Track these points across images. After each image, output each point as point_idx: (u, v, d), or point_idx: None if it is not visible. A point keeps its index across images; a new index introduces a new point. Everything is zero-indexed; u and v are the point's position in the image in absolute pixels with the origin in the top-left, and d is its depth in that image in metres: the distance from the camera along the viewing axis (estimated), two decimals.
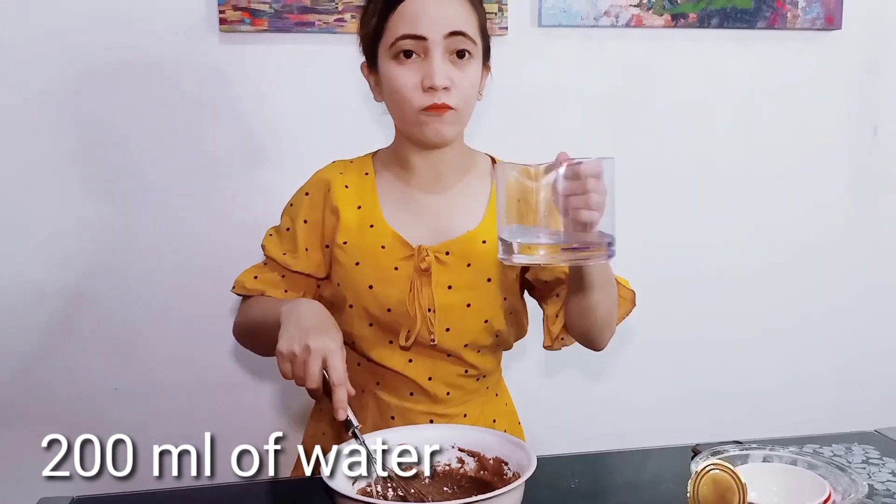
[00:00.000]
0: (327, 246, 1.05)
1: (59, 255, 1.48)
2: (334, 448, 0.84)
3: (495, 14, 1.53)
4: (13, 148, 1.44)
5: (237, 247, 1.53)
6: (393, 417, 1.05)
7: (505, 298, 1.04)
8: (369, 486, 0.85)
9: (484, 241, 1.02)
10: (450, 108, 0.96)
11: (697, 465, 0.80)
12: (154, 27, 1.44)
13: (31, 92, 1.43)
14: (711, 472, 0.78)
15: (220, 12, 1.44)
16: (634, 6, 1.60)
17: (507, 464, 0.87)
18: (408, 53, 0.95)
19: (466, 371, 1.06)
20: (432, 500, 0.85)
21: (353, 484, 0.84)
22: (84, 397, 1.53)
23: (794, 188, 1.78)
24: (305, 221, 1.06)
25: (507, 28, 1.55)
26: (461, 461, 0.90)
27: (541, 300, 1.10)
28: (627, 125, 1.67)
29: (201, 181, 1.51)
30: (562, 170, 0.79)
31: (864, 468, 0.99)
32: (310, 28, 1.47)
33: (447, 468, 0.90)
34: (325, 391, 0.88)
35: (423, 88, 0.95)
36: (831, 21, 1.68)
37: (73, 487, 1.38)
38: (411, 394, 1.05)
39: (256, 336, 1.06)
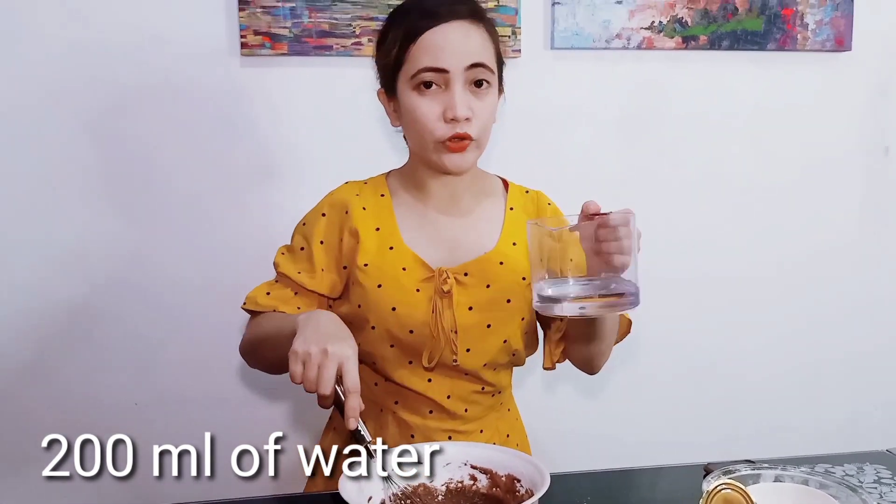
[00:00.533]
0: (345, 267, 1.06)
1: (81, 270, 1.51)
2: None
3: (509, 37, 1.57)
4: (38, 164, 1.48)
5: (254, 262, 1.55)
6: (412, 436, 1.07)
7: (522, 318, 1.06)
8: (383, 502, 0.86)
9: (501, 263, 1.04)
10: (471, 138, 0.99)
11: (709, 485, 0.82)
12: (179, 51, 1.48)
13: (58, 110, 1.47)
14: (723, 491, 0.80)
15: (242, 37, 1.48)
16: (646, 29, 1.62)
17: (519, 481, 0.88)
18: (428, 84, 0.98)
19: (483, 388, 1.08)
20: None
21: (368, 501, 0.85)
22: (104, 409, 1.55)
23: (806, 208, 1.79)
24: (322, 242, 1.06)
25: (520, 51, 1.58)
26: (473, 478, 0.91)
27: (543, 323, 1.12)
28: (639, 146, 1.70)
29: (221, 199, 1.55)
30: (593, 223, 0.86)
31: (876, 488, 0.99)
32: (328, 52, 1.51)
33: (460, 485, 0.91)
34: (333, 401, 0.87)
35: (444, 119, 0.97)
36: (841, 43, 1.69)
37: (99, 500, 1.41)
38: (430, 412, 1.07)
39: (268, 350, 1.04)
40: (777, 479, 0.90)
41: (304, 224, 1.10)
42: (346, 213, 1.06)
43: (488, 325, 1.03)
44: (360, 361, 1.07)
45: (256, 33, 1.48)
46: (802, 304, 1.81)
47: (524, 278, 1.05)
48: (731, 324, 1.79)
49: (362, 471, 0.85)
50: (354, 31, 1.51)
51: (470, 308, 1.03)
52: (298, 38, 1.50)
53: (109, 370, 1.55)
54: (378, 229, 1.05)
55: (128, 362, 1.55)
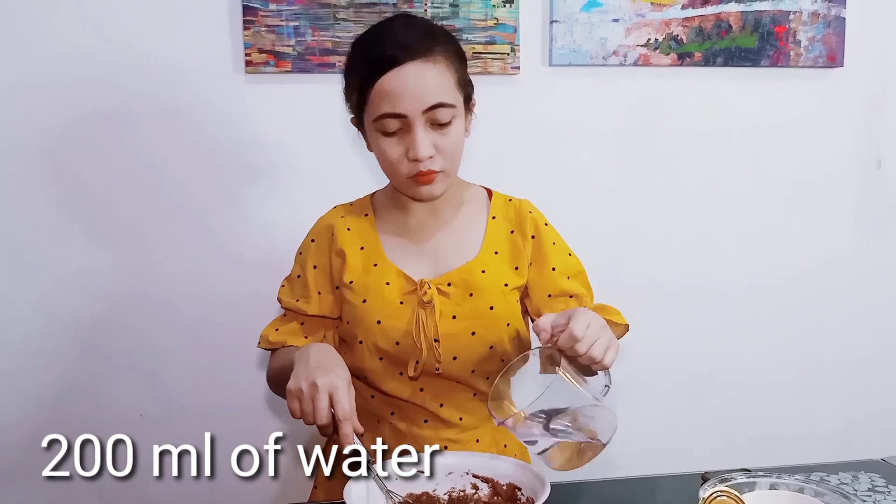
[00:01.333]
0: (337, 287, 1.10)
1: (88, 282, 1.53)
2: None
3: (507, 54, 1.60)
4: (47, 180, 1.51)
5: (258, 274, 1.59)
6: (408, 445, 1.08)
7: (508, 324, 1.08)
8: None
9: (483, 271, 1.07)
10: (436, 172, 1.01)
11: (705, 492, 0.84)
12: (185, 69, 1.51)
13: (66, 126, 1.50)
14: (718, 498, 0.81)
15: (247, 55, 1.51)
16: (642, 46, 1.66)
17: (520, 489, 0.90)
18: (390, 127, 0.99)
19: (475, 394, 1.10)
20: None
21: None
22: (110, 419, 1.57)
23: (801, 221, 1.81)
24: (315, 267, 1.11)
25: (519, 68, 1.61)
26: (475, 487, 0.93)
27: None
28: (636, 160, 1.72)
29: (226, 212, 1.57)
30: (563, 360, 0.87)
31: (870, 496, 1.01)
32: (331, 69, 1.54)
33: (462, 494, 0.93)
34: (334, 429, 0.90)
35: (408, 159, 1.00)
36: (833, 59, 1.73)
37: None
38: (426, 421, 1.09)
39: (283, 385, 1.06)
40: (772, 487, 0.92)
41: (300, 253, 1.15)
42: (332, 235, 1.11)
43: (473, 333, 1.06)
44: (353, 376, 1.08)
45: (261, 51, 1.51)
46: (798, 315, 1.84)
47: (506, 284, 1.08)
48: (728, 334, 1.81)
49: (366, 480, 0.87)
50: None
51: (454, 317, 1.05)
52: (302, 55, 1.53)
53: (116, 380, 1.57)
54: (363, 248, 1.10)
55: (134, 372, 1.57)
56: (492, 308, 1.06)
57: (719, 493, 0.82)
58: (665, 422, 1.79)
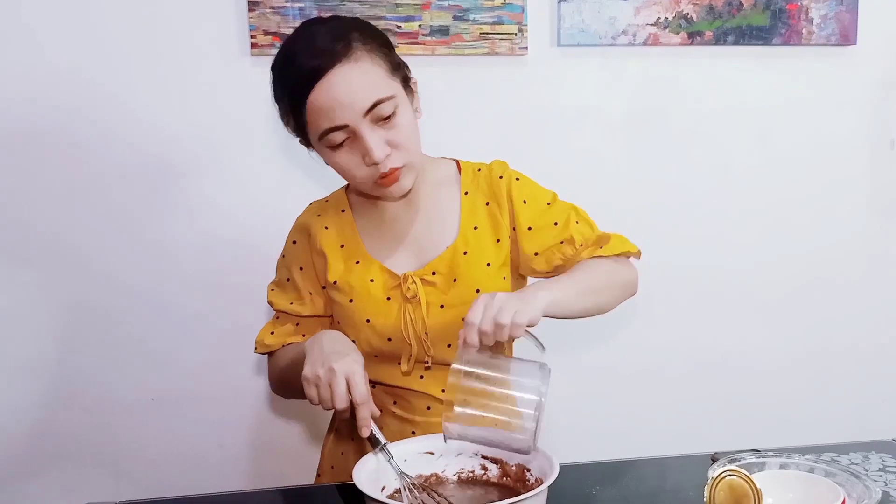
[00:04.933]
0: (324, 287, 1.10)
1: (97, 270, 1.54)
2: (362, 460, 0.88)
3: (515, 35, 1.58)
4: (53, 167, 1.51)
5: (268, 261, 1.58)
6: (414, 432, 1.08)
7: None
8: (397, 491, 0.88)
9: (465, 253, 1.05)
10: (399, 168, 0.97)
11: (714, 472, 0.83)
12: (189, 52, 1.51)
13: (69, 112, 1.49)
14: (727, 478, 0.81)
15: (252, 37, 1.50)
16: (651, 25, 1.63)
17: (529, 470, 0.90)
18: (338, 140, 0.96)
19: None
20: None
21: (381, 490, 0.87)
22: (122, 406, 1.59)
23: (813, 202, 1.79)
24: (301, 269, 1.10)
25: (526, 48, 1.60)
26: (484, 468, 0.94)
27: None
28: (646, 141, 1.71)
29: (233, 198, 1.57)
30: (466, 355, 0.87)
31: (881, 476, 1.01)
32: None
33: (471, 475, 0.94)
34: (352, 412, 0.91)
35: (366, 164, 0.96)
36: (846, 37, 1.70)
37: (117, 493, 1.44)
38: (428, 408, 1.08)
39: (291, 383, 1.05)
40: (782, 468, 0.92)
41: (283, 256, 1.14)
42: (310, 234, 1.10)
43: (463, 319, 1.03)
44: None
45: (266, 33, 1.50)
46: (809, 298, 1.82)
47: (489, 264, 1.05)
48: (739, 317, 1.81)
49: (376, 461, 0.88)
50: None
51: (442, 307, 1.04)
52: None
53: (127, 367, 1.58)
54: (343, 246, 1.08)
55: (144, 359, 1.58)
56: (478, 291, 1.04)
57: (729, 473, 0.82)
58: (676, 405, 1.79)
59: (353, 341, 1.04)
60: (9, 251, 1.51)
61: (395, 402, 1.09)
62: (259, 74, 1.53)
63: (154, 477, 1.60)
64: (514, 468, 0.91)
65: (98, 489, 1.56)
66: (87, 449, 1.58)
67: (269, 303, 1.14)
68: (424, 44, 1.55)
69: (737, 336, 1.81)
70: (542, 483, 0.81)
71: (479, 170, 1.11)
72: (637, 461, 1.11)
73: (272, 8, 1.50)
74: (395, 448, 0.92)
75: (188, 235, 1.56)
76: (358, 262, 1.07)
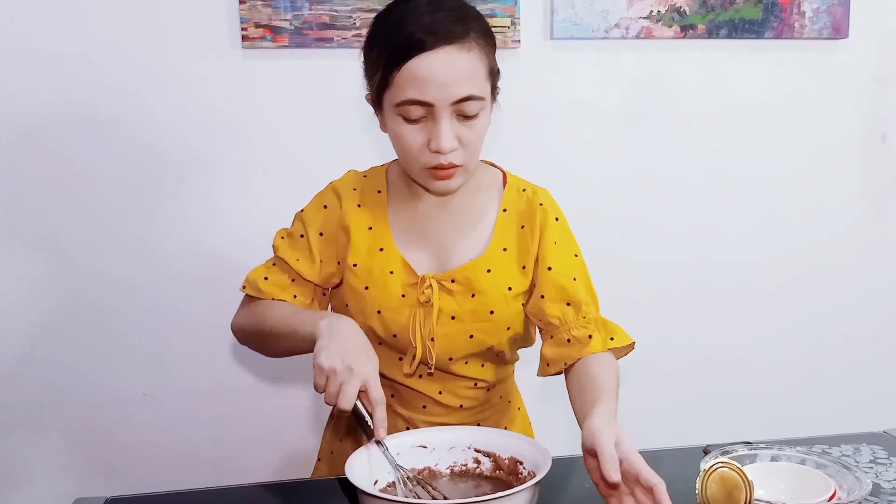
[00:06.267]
0: (339, 263, 1.06)
1: (89, 265, 1.53)
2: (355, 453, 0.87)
3: (508, 28, 1.58)
4: (45, 162, 1.50)
5: (261, 255, 1.58)
6: (408, 428, 1.08)
7: (508, 328, 1.05)
8: (389, 485, 0.88)
9: (489, 271, 1.03)
10: (457, 166, 0.96)
11: (706, 464, 0.84)
12: (180, 44, 1.50)
13: (60, 107, 1.48)
14: (719, 470, 0.82)
15: (243, 30, 1.49)
16: (644, 18, 1.63)
17: (521, 463, 0.90)
18: (413, 114, 0.93)
19: (476, 384, 1.08)
20: (451, 499, 0.88)
21: (374, 484, 0.87)
22: (114, 402, 1.58)
23: (805, 195, 1.80)
24: (321, 234, 1.05)
25: (519, 41, 1.59)
26: (477, 461, 0.93)
27: (541, 333, 1.09)
28: (639, 135, 1.71)
29: (226, 192, 1.56)
30: None
31: (872, 468, 1.01)
32: (329, 44, 1.52)
33: (464, 468, 0.93)
34: (352, 413, 0.88)
35: (429, 149, 0.94)
36: (838, 31, 1.70)
37: (108, 487, 1.44)
38: (424, 406, 1.08)
39: (275, 343, 1.03)
40: (774, 459, 0.92)
41: (303, 212, 1.08)
42: (341, 206, 1.05)
43: (471, 336, 1.03)
44: None
45: (257, 26, 1.50)
46: (801, 290, 1.83)
47: (510, 288, 1.03)
48: (731, 310, 1.81)
49: (368, 454, 0.88)
50: (355, 23, 1.52)
51: (453, 317, 1.02)
52: (299, 30, 1.51)
53: (119, 362, 1.57)
54: (371, 228, 1.04)
55: (137, 355, 1.58)
56: (492, 312, 1.02)
57: (720, 465, 0.82)
58: (668, 398, 1.80)
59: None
60: (1, 246, 1.50)
61: (392, 396, 1.08)
62: (251, 67, 1.53)
63: (146, 472, 1.60)
64: (507, 461, 0.91)
65: (90, 485, 1.56)
66: (78, 444, 1.58)
67: (274, 247, 1.07)
68: None
69: (729, 329, 1.82)
70: (535, 476, 0.81)
71: (524, 190, 1.07)
72: None
73: (263, 0, 1.49)
74: (388, 441, 0.91)
75: (180, 231, 1.55)
76: (382, 250, 1.03)
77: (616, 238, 1.70)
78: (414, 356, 1.02)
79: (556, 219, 1.06)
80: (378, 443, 0.88)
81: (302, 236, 1.06)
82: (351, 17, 1.52)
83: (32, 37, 1.45)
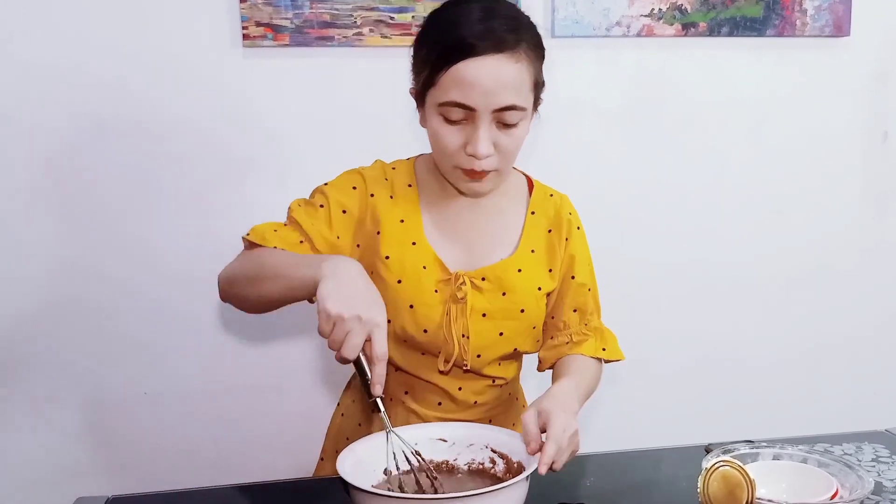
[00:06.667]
0: (358, 245, 1.05)
1: (89, 264, 1.53)
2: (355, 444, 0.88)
3: None
4: (45, 161, 1.49)
5: None
6: None
7: (534, 327, 1.07)
8: (390, 472, 0.88)
9: (519, 270, 1.04)
10: (490, 171, 0.97)
11: (708, 463, 0.84)
12: (181, 43, 1.49)
13: (60, 105, 1.48)
14: (721, 468, 0.81)
15: (244, 28, 1.49)
16: (645, 16, 1.63)
17: (525, 469, 0.90)
18: (454, 115, 0.94)
19: (494, 381, 1.10)
20: (444, 493, 0.88)
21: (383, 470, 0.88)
22: (115, 401, 1.58)
23: (806, 193, 1.80)
24: (345, 212, 1.03)
25: None
26: (493, 461, 0.94)
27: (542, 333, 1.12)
28: (640, 133, 1.71)
29: (226, 191, 1.56)
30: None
31: (874, 466, 1.01)
32: (330, 42, 1.52)
33: (480, 467, 0.94)
34: (354, 363, 0.86)
35: (466, 152, 0.95)
36: (840, 29, 1.70)
37: (109, 487, 1.43)
38: (440, 403, 1.08)
39: (268, 285, 0.95)
40: (776, 458, 0.92)
41: (326, 186, 1.06)
42: (372, 196, 1.04)
43: (500, 334, 1.04)
44: None
45: (258, 24, 1.49)
46: (802, 289, 1.83)
47: (539, 288, 1.06)
48: (732, 309, 1.81)
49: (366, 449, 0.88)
50: (356, 22, 1.52)
51: (484, 315, 1.03)
52: (300, 28, 1.51)
53: (120, 362, 1.57)
54: (402, 221, 1.04)
55: (138, 354, 1.57)
56: (522, 311, 1.04)
57: (722, 464, 0.82)
58: (670, 397, 1.79)
59: (388, 321, 0.98)
60: (0, 246, 1.50)
61: (406, 393, 1.09)
62: (251, 66, 1.53)
63: (147, 471, 1.60)
64: (515, 465, 0.91)
65: (91, 484, 1.56)
66: (80, 444, 1.58)
67: (289, 209, 1.04)
68: None
69: (730, 328, 1.82)
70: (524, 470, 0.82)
71: (552, 195, 1.11)
72: (631, 453, 1.11)
73: None
74: (407, 431, 0.92)
75: (181, 230, 1.55)
76: (414, 244, 1.03)
77: (616, 237, 1.70)
78: (450, 355, 1.02)
79: (578, 228, 1.10)
80: (375, 404, 0.86)
81: (322, 206, 1.03)
82: (352, 15, 1.52)
83: (32, 36, 1.45)
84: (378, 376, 0.84)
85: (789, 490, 0.87)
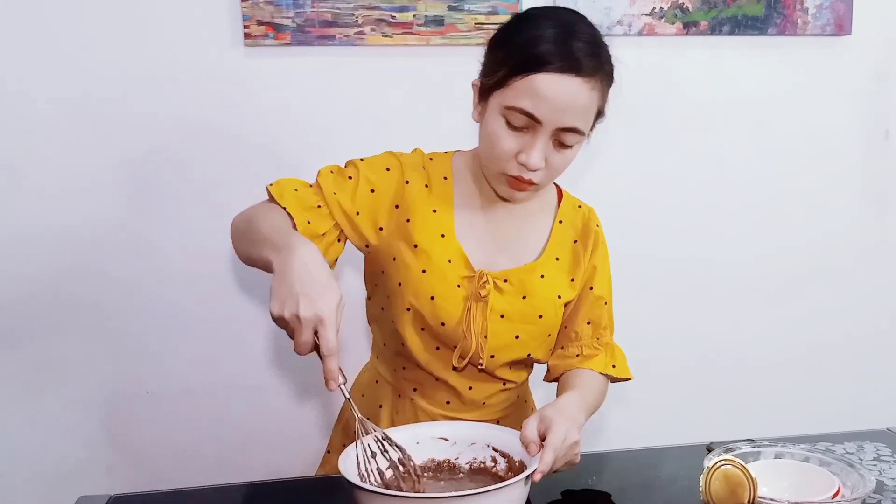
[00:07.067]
0: (381, 228, 1.04)
1: (93, 263, 1.53)
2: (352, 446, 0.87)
3: None
4: (47, 159, 1.49)
5: None
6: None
7: (549, 335, 1.08)
8: (390, 478, 0.87)
9: (542, 276, 1.05)
10: (534, 184, 0.98)
11: (709, 461, 0.84)
12: (183, 42, 1.49)
13: (63, 105, 1.48)
14: (723, 467, 0.82)
15: (245, 27, 1.49)
16: (647, 15, 1.63)
17: (527, 468, 0.90)
18: (517, 123, 0.95)
19: (505, 383, 1.10)
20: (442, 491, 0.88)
21: (369, 476, 0.86)
22: (117, 400, 1.58)
23: (807, 192, 1.80)
24: (373, 190, 1.03)
25: None
26: (494, 460, 0.94)
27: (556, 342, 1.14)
28: (641, 131, 1.70)
29: (228, 190, 1.55)
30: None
31: (876, 465, 1.01)
32: (331, 41, 1.52)
33: (482, 465, 0.94)
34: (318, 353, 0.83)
35: (517, 159, 0.96)
36: (841, 27, 1.70)
37: (111, 485, 1.44)
38: (448, 402, 1.08)
39: (250, 247, 0.95)
40: (777, 457, 0.92)
41: (362, 161, 1.05)
42: (407, 182, 1.04)
43: (517, 337, 1.05)
44: (389, 343, 1.08)
45: (259, 23, 1.49)
46: (803, 288, 1.83)
47: (559, 296, 1.06)
48: (733, 308, 1.81)
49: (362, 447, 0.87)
50: (357, 21, 1.52)
51: (502, 316, 1.04)
52: (301, 27, 1.51)
53: (121, 360, 1.57)
54: (435, 211, 1.04)
55: (139, 353, 1.57)
56: (541, 316, 1.05)
57: (724, 463, 0.82)
58: (672, 396, 1.79)
59: (408, 309, 1.02)
60: (2, 245, 1.50)
61: (415, 390, 1.09)
62: (253, 65, 1.53)
63: (149, 470, 1.60)
64: (517, 464, 0.91)
65: (93, 483, 1.56)
66: (82, 442, 1.58)
67: (318, 173, 1.04)
68: (419, 34, 1.54)
69: (731, 327, 1.82)
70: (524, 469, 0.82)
71: (580, 206, 1.13)
72: (633, 451, 1.11)
73: None
74: (409, 431, 0.93)
75: (182, 229, 1.55)
76: (443, 236, 1.03)
77: (616, 236, 1.68)
78: (462, 355, 1.03)
79: (602, 242, 1.12)
80: (349, 402, 0.85)
81: (350, 178, 1.03)
82: (353, 14, 1.52)
83: (32, 34, 1.45)
84: (329, 371, 0.81)
85: (791, 489, 0.87)
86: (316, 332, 0.80)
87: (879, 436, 1.11)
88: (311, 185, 1.03)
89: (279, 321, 0.81)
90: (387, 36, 1.53)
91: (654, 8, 1.63)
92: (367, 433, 0.86)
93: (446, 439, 0.94)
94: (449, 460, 0.94)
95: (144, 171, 1.53)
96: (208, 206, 1.55)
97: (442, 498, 0.77)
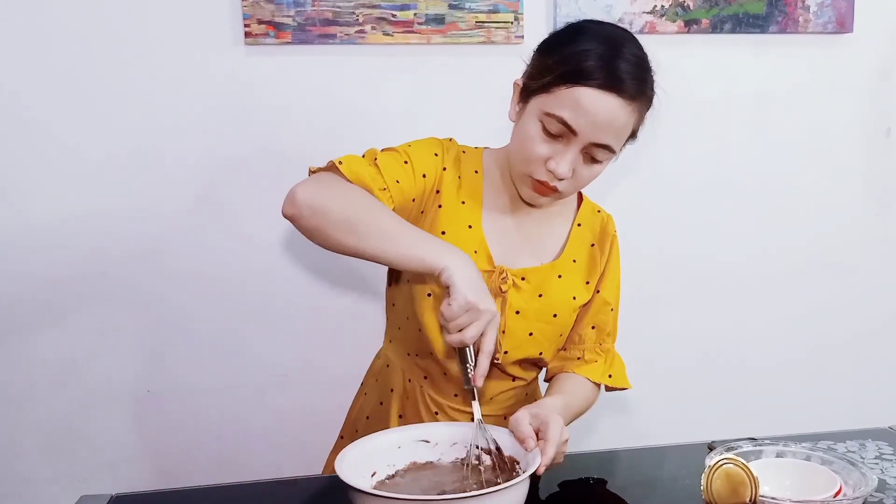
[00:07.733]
0: (422, 212, 1.06)
1: (94, 261, 1.53)
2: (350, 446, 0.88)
3: (511, 23, 1.57)
4: (47, 160, 1.49)
5: (264, 252, 1.58)
6: (437, 413, 1.10)
7: (561, 335, 1.09)
8: (389, 477, 0.89)
9: (559, 276, 1.07)
10: (557, 191, 1.00)
11: (711, 460, 0.84)
12: (183, 41, 1.49)
13: (63, 103, 1.48)
14: (724, 466, 0.81)
15: (246, 26, 1.49)
16: (648, 13, 1.63)
17: (518, 463, 0.90)
18: (554, 130, 0.97)
19: (514, 380, 1.11)
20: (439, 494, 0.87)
21: (372, 476, 0.87)
22: (118, 399, 1.58)
23: (808, 191, 1.79)
24: (424, 175, 1.04)
25: (523, 37, 1.59)
26: (479, 459, 0.92)
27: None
28: (642, 131, 1.70)
29: (229, 189, 1.56)
30: None
31: (878, 464, 1.01)
32: (332, 40, 1.52)
33: (466, 464, 0.92)
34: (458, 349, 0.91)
35: (546, 165, 0.98)
36: (843, 25, 1.69)
37: (113, 486, 1.44)
38: (455, 395, 1.10)
39: (362, 239, 0.92)
40: (779, 455, 0.92)
41: (411, 146, 1.06)
42: (445, 169, 1.07)
43: (530, 334, 1.06)
44: (404, 327, 1.09)
45: (260, 22, 1.49)
46: (805, 286, 1.83)
47: (574, 298, 1.08)
48: (735, 305, 1.81)
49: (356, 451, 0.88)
50: (358, 20, 1.52)
51: (517, 312, 1.05)
52: (302, 26, 1.50)
53: (123, 359, 1.57)
54: (464, 203, 1.06)
55: (141, 351, 1.58)
56: (555, 316, 1.07)
57: (725, 461, 0.82)
58: (673, 394, 1.79)
59: (429, 294, 1.04)
60: (4, 244, 1.50)
61: (426, 378, 1.10)
62: (253, 63, 1.52)
63: (151, 470, 1.60)
64: (506, 461, 0.91)
65: (94, 482, 1.56)
66: (82, 442, 1.58)
67: (373, 156, 1.03)
68: (420, 32, 1.54)
69: (733, 325, 1.81)
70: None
71: (599, 211, 1.14)
72: (633, 450, 1.11)
73: None
74: (389, 435, 0.93)
75: (182, 228, 1.55)
76: (470, 227, 1.05)
77: (618, 234, 1.69)
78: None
79: (616, 248, 1.14)
80: (472, 391, 0.91)
81: (406, 163, 1.04)
82: (354, 13, 1.52)
83: (33, 34, 1.45)
84: (482, 368, 0.89)
85: (793, 488, 0.87)
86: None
87: (881, 434, 1.10)
88: (375, 166, 1.01)
89: (468, 308, 0.87)
90: (387, 34, 1.53)
91: (656, 6, 1.62)
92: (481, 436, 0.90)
93: (427, 441, 0.94)
94: (431, 462, 0.93)
95: (143, 170, 1.53)
96: (208, 205, 1.55)
97: (445, 499, 0.76)
